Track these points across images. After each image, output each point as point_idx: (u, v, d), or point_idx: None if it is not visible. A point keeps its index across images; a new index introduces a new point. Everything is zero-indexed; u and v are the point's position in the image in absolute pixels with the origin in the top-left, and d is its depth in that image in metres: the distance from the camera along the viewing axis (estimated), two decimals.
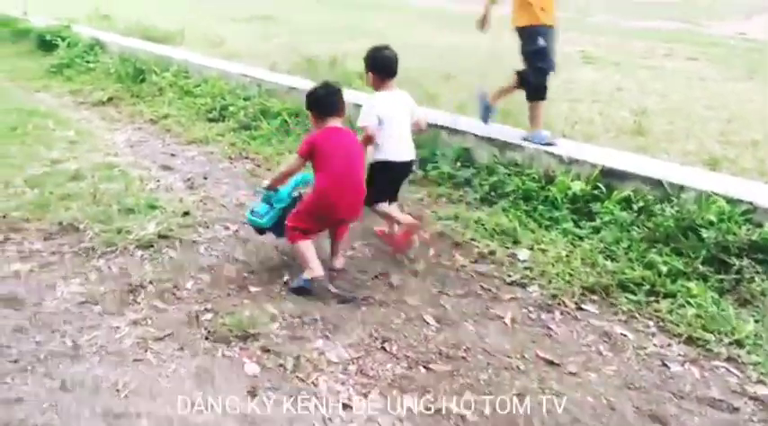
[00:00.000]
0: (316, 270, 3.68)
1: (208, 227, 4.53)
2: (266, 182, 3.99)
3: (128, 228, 4.32)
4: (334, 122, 3.73)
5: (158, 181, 5.37)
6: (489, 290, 3.83)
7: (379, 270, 4.02)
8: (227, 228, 4.54)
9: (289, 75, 7.79)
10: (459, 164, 5.30)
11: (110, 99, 8.07)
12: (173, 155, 6.14)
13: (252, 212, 3.97)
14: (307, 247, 3.72)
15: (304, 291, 3.67)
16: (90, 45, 10.20)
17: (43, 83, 9.13)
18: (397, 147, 4.07)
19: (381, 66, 4.09)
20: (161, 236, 4.29)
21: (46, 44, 10.84)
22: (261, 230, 3.99)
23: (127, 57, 9.06)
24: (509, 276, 3.96)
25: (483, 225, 4.54)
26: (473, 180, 5.12)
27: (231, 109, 6.98)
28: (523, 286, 3.87)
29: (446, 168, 5.27)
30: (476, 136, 5.32)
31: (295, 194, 3.96)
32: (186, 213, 4.65)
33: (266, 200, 3.95)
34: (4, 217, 4.52)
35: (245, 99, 7.17)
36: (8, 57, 10.96)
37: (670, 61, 12.14)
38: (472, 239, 4.40)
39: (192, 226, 4.49)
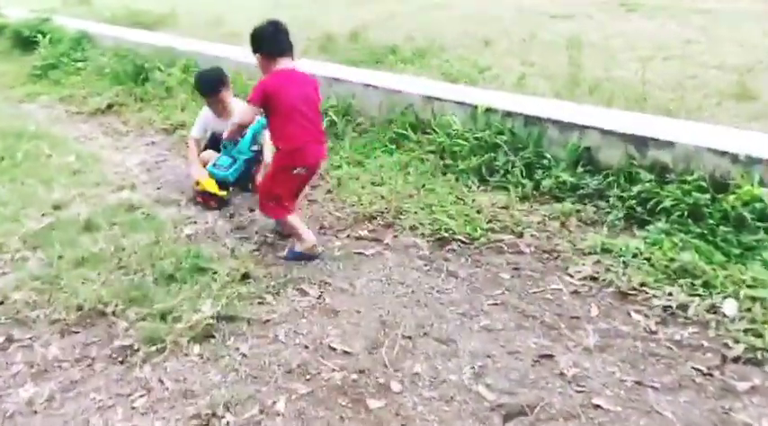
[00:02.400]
0: (308, 240, 3.64)
1: (278, 294, 3.35)
2: (225, 135, 3.85)
3: (174, 311, 3.14)
4: (286, 63, 3.44)
5: (195, 222, 4.16)
6: (709, 375, 2.67)
7: (537, 349, 2.85)
8: (304, 293, 3.36)
9: (331, 65, 6.50)
10: (580, 168, 4.08)
11: (109, 106, 6.80)
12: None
13: (214, 165, 3.96)
14: (294, 219, 3.65)
15: (299, 258, 3.62)
16: (76, 39, 8.87)
17: (27, 90, 7.84)
18: None
19: None
20: (221, 318, 3.11)
21: (25, 41, 9.50)
22: (225, 185, 4.00)
23: (122, 52, 7.74)
24: (727, 347, 2.80)
25: (648, 260, 3.37)
26: (607, 191, 3.92)
27: None
28: (757, 363, 2.71)
29: (564, 176, 4.07)
30: (600, 130, 4.08)
31: (255, 147, 4.13)
32: (246, 276, 3.45)
33: (228, 154, 3.97)
34: (1, 303, 3.33)
35: None
36: None
37: (721, 3, 10.76)
38: (643, 284, 3.22)
39: (257, 296, 3.32)
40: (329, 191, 4.52)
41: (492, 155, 4.40)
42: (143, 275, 3.49)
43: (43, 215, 4.24)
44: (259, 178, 4.02)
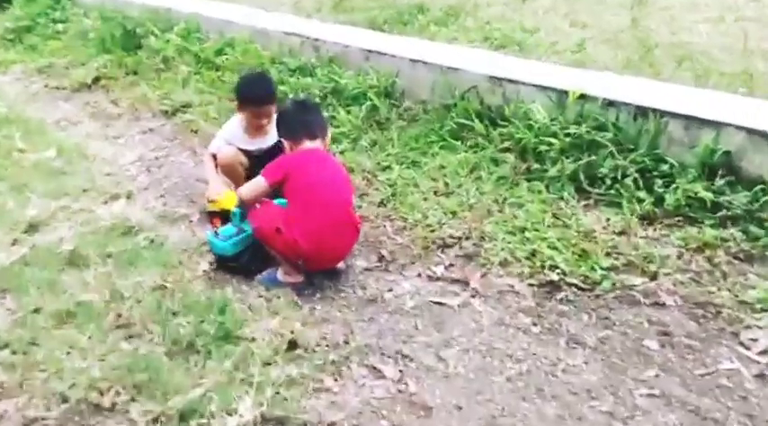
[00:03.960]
0: (299, 277, 2.90)
1: (341, 373, 2.41)
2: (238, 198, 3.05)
3: (199, 409, 2.19)
4: (313, 144, 2.93)
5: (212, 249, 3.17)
6: None
7: None
8: (376, 372, 2.43)
9: (365, 32, 5.41)
10: (719, 180, 3.10)
11: (96, 79, 5.74)
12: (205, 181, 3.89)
13: (215, 234, 3.04)
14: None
15: (274, 286, 2.87)
16: None
17: None
18: None
19: None
20: (267, 421, 2.17)
21: None
22: (223, 258, 3.00)
23: (109, 14, 6.61)
24: None
25: None
26: (762, 213, 2.95)
27: (281, 89, 4.67)
28: None
29: (696, 188, 3.10)
30: (745, 129, 3.10)
31: None
32: (293, 344, 2.50)
33: (235, 223, 3.03)
34: None
35: (299, 72, 4.86)
36: None
37: None
38: None
39: (313, 378, 2.37)
40: (382, 203, 3.55)
41: (592, 157, 3.42)
42: (151, 340, 2.54)
43: (14, 242, 3.23)
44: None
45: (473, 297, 2.80)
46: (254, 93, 3.34)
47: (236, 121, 3.50)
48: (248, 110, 3.36)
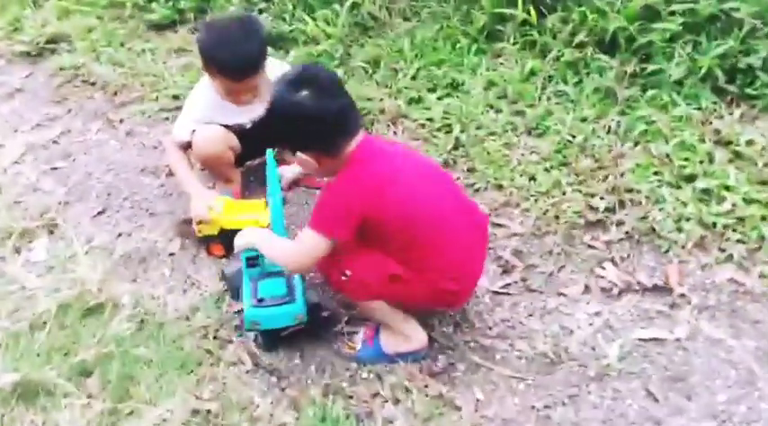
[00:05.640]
0: (416, 338, 1.80)
1: None
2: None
3: None
4: (354, 143, 1.67)
5: (237, 320, 1.98)
6: None
7: None
8: None
9: None
10: None
11: None
12: (153, 171, 2.59)
13: (260, 300, 1.79)
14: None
15: (379, 360, 1.81)
16: None
17: None
18: None
19: None
20: None
21: None
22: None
23: None
24: None
25: None
26: None
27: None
28: None
29: None
30: None
31: None
32: None
33: (272, 273, 1.84)
34: None
35: None
36: None
37: None
38: None
39: None
40: (447, 163, 2.43)
41: (726, 43, 2.42)
42: None
43: None
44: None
45: (694, 314, 1.85)
46: (231, 61, 2.03)
47: (208, 86, 2.18)
48: (222, 80, 2.06)
